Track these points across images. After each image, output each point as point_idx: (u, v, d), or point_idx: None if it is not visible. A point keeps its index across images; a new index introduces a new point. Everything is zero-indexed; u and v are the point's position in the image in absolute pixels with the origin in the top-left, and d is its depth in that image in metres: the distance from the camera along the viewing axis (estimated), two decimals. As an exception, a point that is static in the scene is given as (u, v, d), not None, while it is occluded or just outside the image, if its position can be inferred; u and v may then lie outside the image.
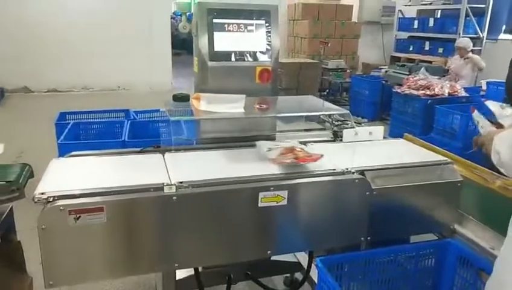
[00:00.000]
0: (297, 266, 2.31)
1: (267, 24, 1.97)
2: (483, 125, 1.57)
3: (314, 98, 2.26)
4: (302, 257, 2.24)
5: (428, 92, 5.13)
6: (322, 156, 1.67)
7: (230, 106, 1.71)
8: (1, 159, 1.76)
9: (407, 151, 2.05)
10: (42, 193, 1.38)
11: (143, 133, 3.43)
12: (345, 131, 2.04)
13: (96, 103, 6.46)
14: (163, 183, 1.47)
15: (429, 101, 5.05)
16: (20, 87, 8.22)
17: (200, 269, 1.96)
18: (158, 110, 3.87)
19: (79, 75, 8.38)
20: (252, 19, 1.95)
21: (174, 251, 1.52)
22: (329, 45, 8.21)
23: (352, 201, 1.68)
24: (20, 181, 1.52)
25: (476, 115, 1.64)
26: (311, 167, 1.69)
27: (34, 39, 7.96)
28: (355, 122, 2.09)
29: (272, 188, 1.54)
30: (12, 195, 1.48)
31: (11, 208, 1.73)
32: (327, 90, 7.96)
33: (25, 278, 1.82)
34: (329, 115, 2.14)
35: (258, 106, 1.89)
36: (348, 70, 8.19)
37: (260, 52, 1.97)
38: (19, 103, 7.52)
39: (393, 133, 5.33)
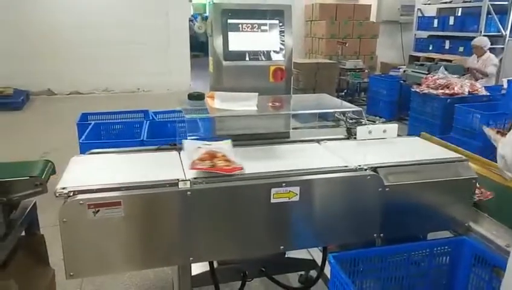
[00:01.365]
0: (311, 263, 2.32)
1: (280, 24, 2.00)
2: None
3: (328, 96, 2.27)
4: (317, 255, 2.25)
5: (447, 91, 5.05)
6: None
7: (243, 104, 1.74)
8: (25, 158, 1.85)
9: (421, 149, 2.04)
10: (63, 188, 1.44)
11: (161, 133, 3.50)
12: (358, 128, 2.05)
13: (117, 105, 6.61)
14: (178, 179, 1.51)
15: (448, 100, 4.97)
16: (44, 90, 8.47)
17: (215, 265, 2.00)
18: (176, 111, 3.95)
19: (100, 77, 8.59)
20: (266, 19, 1.98)
21: (188, 245, 1.56)
22: (347, 45, 8.18)
23: (365, 198, 1.69)
24: (43, 176, 1.59)
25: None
26: (323, 164, 1.71)
27: (57, 43, 8.21)
28: (369, 120, 2.09)
29: (284, 184, 1.57)
30: (35, 190, 1.55)
31: (35, 203, 1.81)
32: (345, 91, 7.92)
33: (48, 270, 1.89)
34: (344, 113, 2.15)
35: (271, 104, 1.92)
36: (366, 71, 8.13)
37: (274, 51, 2.00)
38: (43, 105, 7.75)
39: (412, 133, 5.27)
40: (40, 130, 6.01)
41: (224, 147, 1.71)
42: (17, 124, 6.48)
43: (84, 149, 2.30)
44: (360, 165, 1.70)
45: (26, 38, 8.04)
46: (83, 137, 3.26)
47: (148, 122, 3.69)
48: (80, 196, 1.41)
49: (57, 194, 1.42)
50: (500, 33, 7.76)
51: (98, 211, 1.42)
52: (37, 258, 1.82)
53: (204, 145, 1.71)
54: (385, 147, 1.99)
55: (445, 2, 9.00)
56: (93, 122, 3.70)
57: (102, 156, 1.85)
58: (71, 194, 1.42)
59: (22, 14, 7.98)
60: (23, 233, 1.77)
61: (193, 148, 1.69)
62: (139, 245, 1.52)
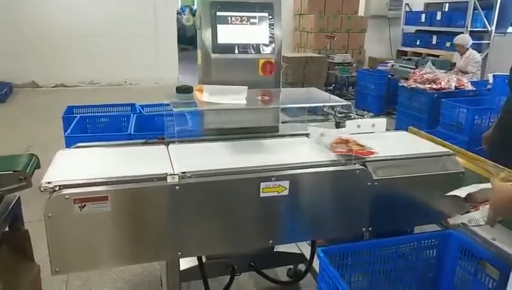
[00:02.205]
0: (300, 257, 2.33)
1: (270, 17, 1.98)
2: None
3: (317, 90, 2.26)
4: (306, 249, 2.26)
5: (434, 86, 5.10)
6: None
7: (233, 98, 1.72)
8: (9, 153, 1.80)
9: (409, 143, 2.06)
10: (48, 182, 1.41)
11: (149, 127, 3.47)
12: (347, 122, 2.05)
13: (103, 98, 6.53)
14: (166, 173, 1.49)
15: (435, 94, 5.03)
16: (28, 82, 8.32)
17: (203, 259, 1.99)
18: (164, 104, 3.91)
19: (86, 70, 8.46)
20: (255, 12, 1.96)
21: (177, 240, 1.54)
22: (335, 39, 8.18)
23: (354, 192, 1.69)
24: (27, 170, 1.55)
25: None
26: (312, 158, 1.71)
27: (42, 35, 8.05)
28: (357, 114, 2.09)
29: (273, 178, 1.56)
30: (19, 184, 1.51)
31: (19, 198, 1.77)
32: (333, 85, 7.94)
33: (33, 266, 1.86)
34: (332, 107, 2.15)
35: (260, 98, 1.90)
36: (354, 65, 8.16)
37: (263, 44, 1.98)
38: (27, 98, 7.61)
39: (400, 127, 5.31)
40: (24, 124, 5.90)
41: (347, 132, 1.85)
42: (0, 117, 6.35)
43: (70, 143, 2.26)
44: (349, 159, 1.70)
45: (9, 29, 7.86)
46: (69, 131, 3.21)
47: (135, 115, 3.65)
48: (65, 191, 1.38)
49: (42, 189, 1.39)
50: (486, 29, 7.85)
51: (85, 205, 1.39)
52: (22, 254, 1.79)
53: (327, 132, 1.85)
54: (374, 141, 1.99)
55: (433, -3, 9.08)
56: (78, 115, 3.64)
57: (88, 149, 1.82)
58: (57, 189, 1.39)
59: (5, 7, 7.79)
60: (6, 228, 1.73)
61: (317, 134, 1.86)
62: (127, 240, 1.50)
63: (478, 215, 1.37)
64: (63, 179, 1.43)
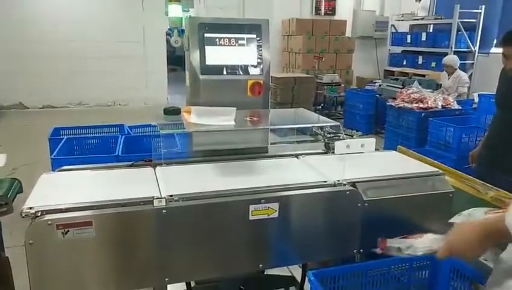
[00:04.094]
0: (291, 280, 2.28)
1: (258, 38, 1.99)
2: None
3: (305, 110, 2.27)
4: (297, 271, 2.22)
5: (421, 105, 5.17)
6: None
7: (221, 119, 1.71)
8: (-7, 176, 1.76)
9: (398, 163, 2.06)
10: (30, 208, 1.36)
11: (137, 148, 3.42)
12: (336, 143, 2.04)
13: (92, 119, 6.47)
14: (153, 197, 1.46)
15: (423, 114, 5.09)
16: (15, 103, 8.23)
17: (192, 284, 1.94)
18: (152, 125, 3.88)
19: (74, 91, 8.42)
20: (243, 33, 1.97)
21: (164, 266, 1.50)
22: (323, 59, 8.31)
23: (344, 213, 1.67)
24: (9, 195, 1.51)
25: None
26: (302, 179, 1.69)
27: (30, 55, 8.01)
28: (346, 134, 2.09)
29: (262, 201, 1.54)
30: (0, 210, 1.46)
31: (0, 223, 1.71)
32: (322, 104, 8.00)
33: (13, 295, 1.79)
34: (321, 127, 2.14)
35: (249, 119, 1.90)
36: (343, 85, 8.26)
37: (251, 65, 1.98)
38: (14, 119, 7.52)
39: (388, 146, 5.35)
40: (9, 146, 5.79)
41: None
42: (-14, 139, 6.24)
43: (56, 165, 2.22)
44: (338, 180, 1.69)
45: (-4, 51, 7.82)
46: (55, 153, 3.15)
47: (123, 136, 3.60)
48: (48, 216, 1.34)
49: (23, 215, 1.34)
50: (469, 49, 8.04)
51: (68, 231, 1.35)
52: (1, 283, 1.72)
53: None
54: (363, 162, 1.99)
55: (417, 19, 9.29)
56: (65, 137, 3.58)
57: (73, 173, 1.78)
58: (39, 214, 1.35)
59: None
60: (-14, 256, 1.67)
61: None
62: (112, 267, 1.45)
63: (419, 245, 1.34)
64: (45, 204, 1.39)
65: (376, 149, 2.18)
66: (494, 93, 3.08)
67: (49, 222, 1.33)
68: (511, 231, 1.13)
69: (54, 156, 3.10)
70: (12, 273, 1.78)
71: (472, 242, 1.25)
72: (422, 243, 1.34)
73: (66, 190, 1.57)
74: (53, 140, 3.48)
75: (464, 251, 1.27)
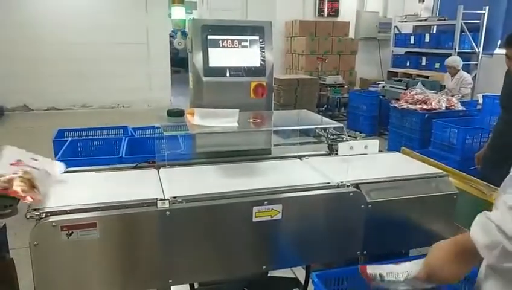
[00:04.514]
0: (294, 282, 2.28)
1: (261, 40, 1.99)
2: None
3: (309, 112, 2.27)
4: (300, 273, 2.21)
5: (425, 106, 5.15)
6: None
7: (224, 121, 1.71)
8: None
9: (402, 165, 2.05)
10: (35, 209, 1.37)
11: (141, 150, 3.43)
12: (340, 144, 2.04)
13: (96, 121, 6.49)
14: (156, 199, 1.46)
15: (426, 115, 5.06)
16: (19, 105, 8.27)
17: (196, 285, 1.94)
18: (156, 127, 3.88)
19: (78, 93, 8.44)
20: (246, 35, 1.97)
21: (168, 267, 1.50)
22: (326, 61, 8.29)
23: (348, 215, 1.67)
24: (13, 197, 1.51)
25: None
26: (305, 180, 1.69)
27: (34, 58, 8.04)
28: (350, 136, 2.09)
29: (266, 202, 1.54)
30: (4, 211, 1.46)
31: (5, 225, 1.72)
32: (325, 106, 7.99)
33: (18, 297, 1.79)
34: (325, 129, 2.14)
35: (252, 120, 1.90)
36: (346, 86, 8.24)
37: (255, 67, 1.98)
38: (18, 121, 7.55)
39: (392, 147, 5.34)
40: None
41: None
42: (-9, 141, 6.27)
43: (60, 167, 2.23)
44: (342, 182, 1.68)
45: (0, 53, 7.85)
46: (59, 154, 3.16)
47: (127, 138, 3.61)
48: (52, 218, 1.35)
49: (28, 216, 1.35)
50: (473, 50, 8.01)
51: (72, 233, 1.36)
52: (6, 284, 1.72)
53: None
54: (367, 163, 1.99)
55: (421, 20, 9.27)
56: (69, 139, 3.60)
57: (77, 174, 1.79)
58: (43, 216, 1.35)
59: (-3, 30, 7.83)
60: (-9, 257, 1.67)
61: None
62: (115, 268, 1.45)
63: (398, 270, 1.27)
64: (49, 205, 1.40)
65: (379, 150, 2.18)
66: (499, 94, 3.07)
67: (53, 224, 1.34)
68: (474, 242, 1.05)
69: (58, 158, 3.11)
70: (17, 275, 1.79)
71: (447, 263, 1.15)
72: (402, 268, 1.27)
73: (70, 191, 1.58)
74: (57, 142, 3.50)
75: (441, 273, 1.16)
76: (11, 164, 1.39)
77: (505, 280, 1.12)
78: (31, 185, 1.34)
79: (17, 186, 1.31)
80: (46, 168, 1.50)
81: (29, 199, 1.32)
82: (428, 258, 1.22)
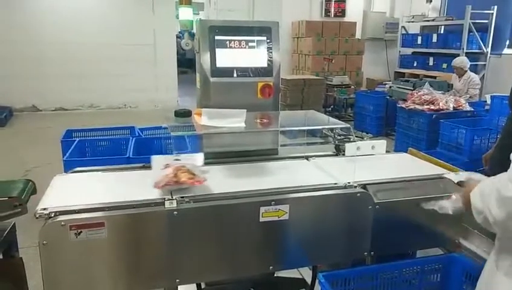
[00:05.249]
0: (301, 282, 2.27)
1: (268, 40, 1.99)
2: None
3: (316, 112, 2.27)
4: (307, 273, 2.21)
5: (433, 107, 5.11)
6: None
7: (231, 121, 1.72)
8: (6, 177, 1.78)
9: (409, 165, 2.04)
10: (44, 209, 1.39)
11: (148, 150, 3.45)
12: (347, 145, 2.04)
13: (103, 121, 6.53)
14: (164, 198, 1.47)
15: (434, 115, 5.03)
16: (28, 106, 8.34)
17: (203, 285, 1.94)
18: (163, 127, 3.90)
19: (86, 93, 8.51)
20: (253, 36, 1.98)
21: (175, 266, 1.51)
22: (333, 61, 8.28)
23: (355, 215, 1.67)
24: (23, 197, 1.53)
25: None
26: (312, 181, 1.69)
27: (42, 58, 8.12)
28: (357, 136, 2.08)
29: (273, 203, 1.54)
30: (14, 211, 1.49)
31: (14, 224, 1.74)
32: (332, 106, 7.98)
33: (27, 295, 1.81)
34: (332, 129, 2.14)
35: (259, 121, 1.90)
36: (353, 86, 8.22)
37: (262, 67, 1.99)
38: (27, 122, 7.62)
39: (399, 148, 5.31)
40: (23, 148, 5.88)
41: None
42: None
43: (68, 167, 2.24)
44: (349, 183, 1.68)
45: (9, 54, 7.93)
46: (67, 155, 3.19)
47: (134, 139, 3.64)
48: (61, 217, 1.36)
49: (37, 216, 1.36)
50: (481, 50, 7.94)
51: (81, 232, 1.37)
52: (15, 283, 1.74)
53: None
54: (374, 164, 1.98)
55: (428, 20, 9.21)
56: (77, 139, 3.63)
57: (85, 174, 1.80)
58: (52, 215, 1.37)
59: (5, 31, 7.89)
60: (0, 256, 1.69)
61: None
62: (123, 268, 1.46)
63: (448, 204, 1.44)
64: (58, 205, 1.41)
65: (387, 151, 2.18)
66: (507, 94, 3.04)
67: (62, 223, 1.35)
68: (471, 199, 1.25)
69: (67, 158, 3.14)
70: (26, 274, 1.81)
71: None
72: (451, 203, 1.44)
73: (78, 191, 1.60)
74: (65, 142, 3.53)
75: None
76: (163, 169, 1.58)
77: None
78: (192, 174, 1.55)
79: (184, 177, 1.52)
80: (191, 162, 1.65)
81: (197, 183, 1.52)
82: (461, 195, 1.39)
